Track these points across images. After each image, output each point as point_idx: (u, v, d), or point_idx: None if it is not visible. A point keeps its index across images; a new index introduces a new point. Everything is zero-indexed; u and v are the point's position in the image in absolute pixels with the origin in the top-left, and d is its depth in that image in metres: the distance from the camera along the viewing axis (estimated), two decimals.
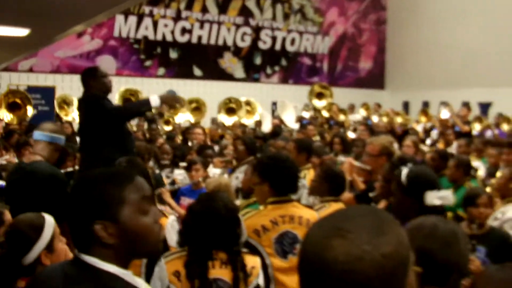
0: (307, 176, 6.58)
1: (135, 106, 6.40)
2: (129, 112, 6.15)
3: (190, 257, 3.26)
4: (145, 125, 12.08)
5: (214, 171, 7.40)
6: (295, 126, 13.41)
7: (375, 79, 22.67)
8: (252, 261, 3.42)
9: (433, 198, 3.42)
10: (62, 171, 6.27)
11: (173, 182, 7.11)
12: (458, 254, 2.40)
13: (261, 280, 3.42)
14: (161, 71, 18.84)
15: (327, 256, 1.31)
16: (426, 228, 2.42)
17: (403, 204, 3.42)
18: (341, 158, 7.86)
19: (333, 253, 1.31)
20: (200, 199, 3.47)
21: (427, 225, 2.45)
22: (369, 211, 1.42)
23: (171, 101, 6.25)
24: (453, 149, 9.63)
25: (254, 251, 3.69)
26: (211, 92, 17.19)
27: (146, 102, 6.01)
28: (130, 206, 1.89)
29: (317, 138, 11.10)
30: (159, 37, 18.76)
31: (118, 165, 4.38)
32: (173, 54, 19.08)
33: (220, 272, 3.27)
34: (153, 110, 7.83)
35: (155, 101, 5.98)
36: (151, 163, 7.41)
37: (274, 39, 20.79)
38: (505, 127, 13.44)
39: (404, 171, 3.48)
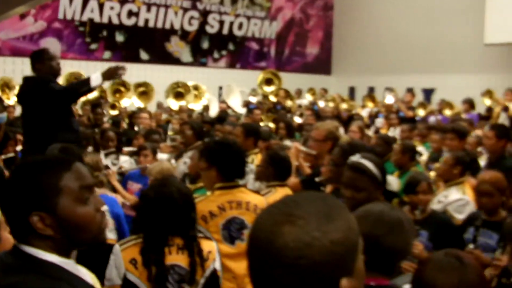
0: (255, 160, 6.61)
1: (79, 85, 6.25)
2: (74, 93, 6.08)
3: (146, 244, 3.22)
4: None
5: (161, 156, 7.37)
6: (242, 110, 13.44)
7: (321, 65, 22.82)
8: (208, 246, 3.40)
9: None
10: (3, 156, 6.18)
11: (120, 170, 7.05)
12: (404, 241, 2.44)
13: (217, 265, 3.42)
14: (107, 54, 18.55)
15: (277, 242, 1.32)
16: (373, 215, 2.46)
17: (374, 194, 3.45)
18: (287, 142, 7.91)
19: (283, 239, 1.32)
20: (152, 185, 3.45)
21: (374, 211, 2.49)
22: (319, 198, 1.43)
23: (113, 74, 6.19)
24: (396, 133, 9.80)
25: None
26: (158, 76, 17.00)
27: (88, 81, 5.96)
28: (68, 195, 1.82)
29: (266, 123, 11.18)
30: (105, 19, 18.44)
31: (50, 152, 4.31)
32: (119, 38, 18.80)
33: (176, 258, 3.25)
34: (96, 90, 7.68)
35: (97, 79, 5.94)
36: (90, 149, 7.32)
37: (221, 23, 20.70)
38: (447, 112, 13.72)
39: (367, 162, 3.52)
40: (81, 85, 6.14)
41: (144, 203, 3.34)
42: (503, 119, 12.65)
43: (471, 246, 4.43)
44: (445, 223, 4.85)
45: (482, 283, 2.38)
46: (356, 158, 3.55)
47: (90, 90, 6.19)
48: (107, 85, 12.42)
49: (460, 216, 5.16)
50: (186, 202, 3.35)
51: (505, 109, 12.99)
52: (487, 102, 13.68)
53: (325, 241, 1.32)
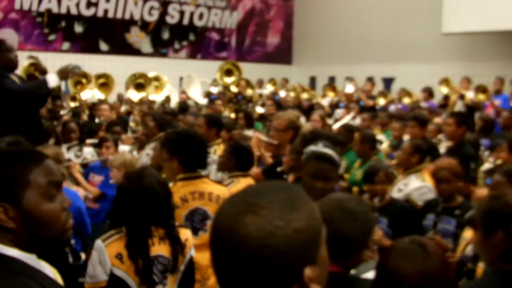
0: (217, 151, 6.61)
1: (36, 87, 6.13)
2: (31, 94, 5.98)
3: (130, 237, 3.21)
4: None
5: (123, 148, 7.34)
6: (204, 101, 13.42)
7: (282, 54, 22.85)
8: (184, 234, 3.43)
9: None
10: None
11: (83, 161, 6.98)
12: (360, 229, 2.46)
13: (193, 252, 3.44)
14: (66, 45, 18.28)
15: (240, 232, 1.32)
16: (333, 203, 2.48)
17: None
18: (247, 132, 7.93)
19: (246, 229, 1.32)
20: (129, 178, 3.40)
21: (333, 199, 2.51)
22: (282, 187, 1.43)
23: (68, 73, 6.13)
24: (356, 123, 9.90)
25: None
26: (118, 67, 16.82)
27: (44, 83, 5.87)
28: (35, 190, 1.80)
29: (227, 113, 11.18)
30: (63, 10, 18.14)
31: None
32: (78, 28, 18.53)
33: (159, 248, 3.26)
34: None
35: (53, 80, 5.86)
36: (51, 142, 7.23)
37: (182, 13, 20.55)
38: (406, 101, 13.88)
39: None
40: (38, 87, 6.03)
41: (124, 196, 3.31)
42: (459, 107, 12.87)
43: (431, 232, 4.53)
44: (404, 210, 4.95)
45: (445, 269, 2.43)
46: (318, 148, 3.58)
47: (49, 92, 6.11)
48: None
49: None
50: (165, 192, 3.37)
51: (462, 97, 13.23)
52: (444, 90, 13.88)
53: (288, 230, 1.32)
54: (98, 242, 3.24)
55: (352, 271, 2.52)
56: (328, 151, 3.58)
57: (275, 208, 1.34)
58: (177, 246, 3.31)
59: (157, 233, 3.28)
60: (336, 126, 8.77)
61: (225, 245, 1.36)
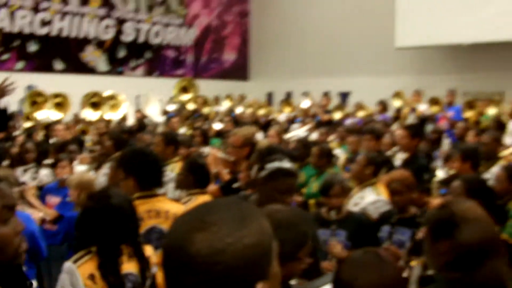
0: (175, 169, 6.60)
1: None
2: None
3: (101, 257, 3.18)
4: None
5: (79, 168, 7.27)
6: (160, 119, 13.39)
7: (239, 71, 22.93)
8: (148, 250, 3.43)
9: None
10: None
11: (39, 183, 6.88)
12: (293, 240, 2.47)
13: (156, 268, 3.43)
14: (20, 64, 18.05)
15: (191, 249, 1.32)
16: (270, 214, 2.52)
17: None
18: (205, 150, 7.95)
19: (196, 246, 1.32)
20: (95, 198, 3.36)
21: (266, 211, 2.48)
22: (232, 203, 1.43)
23: (3, 91, 6.02)
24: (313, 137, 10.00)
25: None
26: (74, 86, 16.63)
27: None
28: None
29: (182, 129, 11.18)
30: (16, 29, 17.93)
31: None
32: (32, 47, 18.31)
33: (128, 266, 3.24)
34: None
35: None
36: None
37: (138, 31, 20.49)
38: (361, 114, 14.06)
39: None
40: None
41: (92, 217, 3.28)
42: (411, 119, 13.13)
43: (387, 243, 4.59)
44: (362, 223, 4.99)
45: (400, 279, 2.46)
46: (283, 163, 3.62)
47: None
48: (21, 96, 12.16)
49: None
50: (132, 209, 3.37)
51: (413, 109, 13.50)
52: (397, 103, 14.14)
53: (238, 246, 1.32)
54: (68, 264, 3.18)
55: (309, 285, 2.54)
56: (292, 166, 3.64)
57: (225, 224, 1.35)
58: (145, 263, 3.31)
59: (126, 251, 3.27)
60: (289, 136, 8.85)
61: (176, 263, 1.35)
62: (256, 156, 4.40)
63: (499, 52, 15.21)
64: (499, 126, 9.60)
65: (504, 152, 7.31)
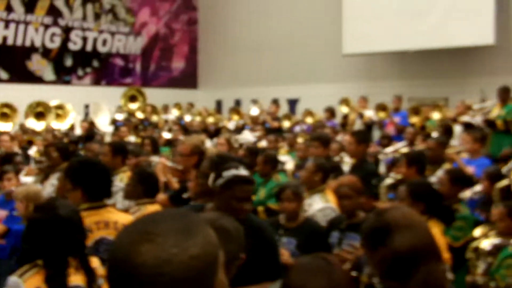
0: (124, 179, 6.55)
1: None
2: None
3: (49, 270, 3.13)
4: None
5: (25, 180, 7.15)
6: (109, 128, 13.25)
7: (188, 79, 22.86)
8: (94, 262, 3.39)
9: None
10: None
11: None
12: (232, 249, 2.50)
13: (102, 280, 3.39)
14: None
15: (136, 261, 1.32)
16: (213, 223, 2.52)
17: None
18: (154, 158, 7.91)
19: (142, 258, 1.32)
20: (42, 209, 3.31)
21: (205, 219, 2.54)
22: (177, 214, 1.43)
23: None
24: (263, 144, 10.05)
25: None
26: (19, 95, 16.35)
27: None
28: None
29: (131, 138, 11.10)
30: None
31: None
32: None
33: (75, 278, 3.20)
34: None
35: None
36: None
37: (85, 40, 20.24)
38: (309, 121, 14.19)
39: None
40: None
41: (39, 229, 3.22)
42: (358, 125, 13.33)
43: (337, 249, 4.63)
44: (314, 230, 5.01)
45: (348, 283, 2.48)
46: (239, 171, 3.63)
47: None
48: None
49: None
50: (80, 220, 3.33)
51: (360, 115, 13.71)
52: (344, 110, 14.33)
53: (184, 257, 1.33)
54: (14, 279, 3.12)
55: None
56: (248, 173, 3.66)
57: (171, 235, 1.35)
58: (91, 275, 3.27)
59: (73, 263, 3.23)
60: (239, 140, 8.88)
61: (121, 275, 1.35)
62: (208, 165, 4.39)
63: (443, 58, 15.55)
64: (447, 130, 9.84)
65: (450, 150, 7.48)
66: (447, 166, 6.91)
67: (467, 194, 5.78)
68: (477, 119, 10.64)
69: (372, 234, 2.40)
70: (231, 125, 14.39)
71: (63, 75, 19.76)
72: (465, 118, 10.81)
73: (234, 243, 2.53)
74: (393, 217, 2.38)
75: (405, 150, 8.67)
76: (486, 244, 4.30)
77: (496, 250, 4.24)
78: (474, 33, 14.19)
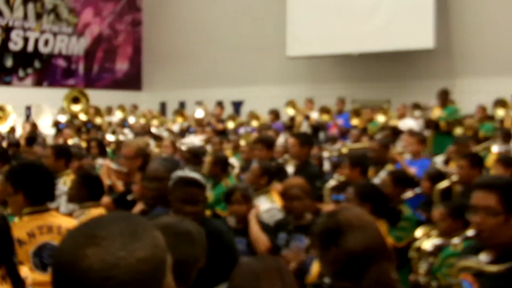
0: (67, 182, 6.45)
1: None
2: None
3: None
4: None
5: None
6: (51, 131, 13.01)
7: (132, 80, 22.65)
8: (24, 271, 3.29)
9: None
10: None
11: None
12: (196, 252, 2.51)
13: None
14: None
15: (82, 265, 1.30)
16: (163, 227, 2.50)
17: None
18: (100, 161, 7.82)
19: (88, 262, 1.30)
20: None
21: (161, 224, 2.48)
22: (123, 217, 1.42)
23: None
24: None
25: None
26: None
27: None
28: None
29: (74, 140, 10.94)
30: None
31: None
32: None
33: None
34: None
35: None
36: None
37: (26, 40, 19.81)
38: (254, 123, 14.23)
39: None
40: None
41: None
42: (305, 127, 13.46)
43: (285, 251, 4.66)
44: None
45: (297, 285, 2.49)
46: (185, 173, 3.63)
47: None
48: None
49: None
50: (6, 227, 3.19)
51: (307, 117, 13.84)
52: (290, 112, 14.43)
53: (131, 260, 1.32)
54: None
55: None
56: (195, 175, 3.65)
57: (117, 238, 1.34)
58: (20, 285, 3.19)
59: (0, 272, 3.14)
60: (185, 142, 8.85)
61: (67, 280, 1.33)
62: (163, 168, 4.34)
63: (385, 62, 15.85)
64: (394, 132, 10.08)
65: (394, 151, 7.61)
66: (390, 167, 7.03)
67: (409, 194, 5.88)
68: (417, 123, 10.93)
69: (325, 234, 2.42)
70: (175, 127, 14.32)
71: (3, 76, 19.30)
72: (407, 121, 11.07)
73: (197, 246, 2.52)
74: (345, 217, 2.42)
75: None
76: (427, 245, 4.39)
77: (437, 250, 4.33)
78: (414, 37, 14.56)
